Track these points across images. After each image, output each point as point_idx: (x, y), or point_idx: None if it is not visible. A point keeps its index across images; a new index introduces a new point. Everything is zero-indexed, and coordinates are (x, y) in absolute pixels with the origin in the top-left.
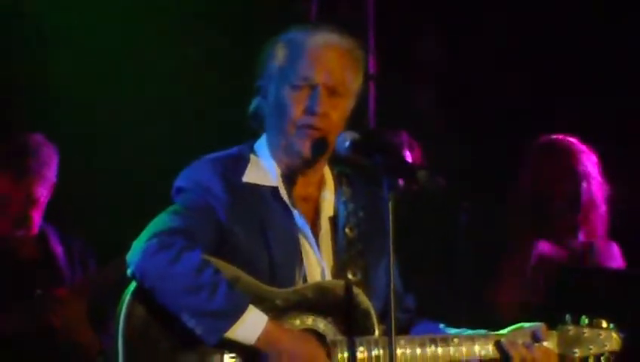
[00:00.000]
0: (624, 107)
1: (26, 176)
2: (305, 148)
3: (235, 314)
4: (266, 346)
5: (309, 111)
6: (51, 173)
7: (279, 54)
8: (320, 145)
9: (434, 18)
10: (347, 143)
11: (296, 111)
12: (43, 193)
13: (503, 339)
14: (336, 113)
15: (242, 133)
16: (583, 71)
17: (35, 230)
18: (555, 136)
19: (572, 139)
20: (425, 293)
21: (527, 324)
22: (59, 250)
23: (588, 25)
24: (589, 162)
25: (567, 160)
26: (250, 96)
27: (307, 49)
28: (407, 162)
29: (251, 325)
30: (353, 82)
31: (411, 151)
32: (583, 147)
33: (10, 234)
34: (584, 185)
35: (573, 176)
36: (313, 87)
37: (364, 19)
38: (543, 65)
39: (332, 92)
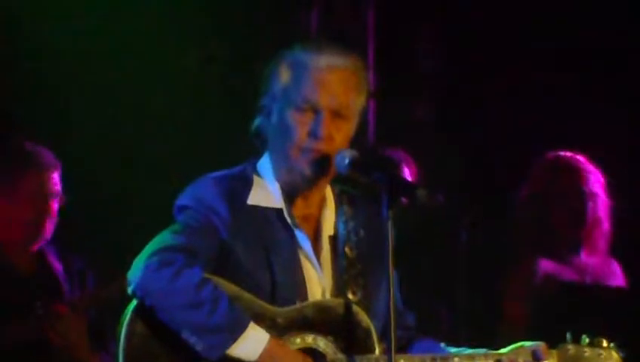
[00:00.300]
0: (630, 120)
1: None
2: (307, 168)
3: (236, 330)
4: None
5: (313, 135)
6: (56, 183)
7: (283, 75)
8: (322, 166)
9: (434, 30)
10: (346, 161)
11: (300, 134)
12: (55, 202)
13: (503, 358)
14: (339, 135)
15: (243, 148)
16: (588, 83)
17: (49, 236)
18: (562, 153)
19: (580, 158)
20: (424, 312)
21: (527, 343)
22: (58, 266)
23: (593, 35)
24: (596, 182)
25: (574, 178)
26: (251, 110)
27: (311, 72)
28: (406, 180)
29: (253, 342)
30: (356, 103)
31: (408, 168)
32: (590, 166)
33: (20, 245)
34: (589, 203)
35: (579, 194)
36: (317, 111)
37: (364, 32)
38: (546, 79)
39: (336, 115)
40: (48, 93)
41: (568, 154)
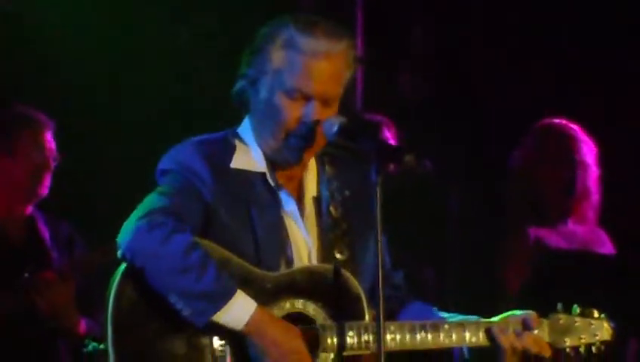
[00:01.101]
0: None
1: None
2: (294, 157)
3: (223, 297)
4: (253, 333)
5: (303, 121)
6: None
7: (276, 55)
8: (306, 149)
9: (425, 4)
10: (335, 128)
11: (290, 118)
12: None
13: (494, 327)
14: (327, 116)
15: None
16: (580, 61)
17: (45, 193)
18: (556, 121)
19: (573, 126)
20: (413, 280)
21: (518, 312)
22: (46, 233)
23: (587, 17)
24: (588, 151)
25: (566, 146)
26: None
27: (305, 59)
28: (395, 146)
29: (239, 310)
30: (344, 82)
31: (389, 131)
32: (583, 135)
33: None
34: (580, 172)
35: (570, 162)
36: (308, 99)
37: (354, 4)
38: (541, 53)
39: (325, 103)
40: (44, 67)
41: (562, 122)
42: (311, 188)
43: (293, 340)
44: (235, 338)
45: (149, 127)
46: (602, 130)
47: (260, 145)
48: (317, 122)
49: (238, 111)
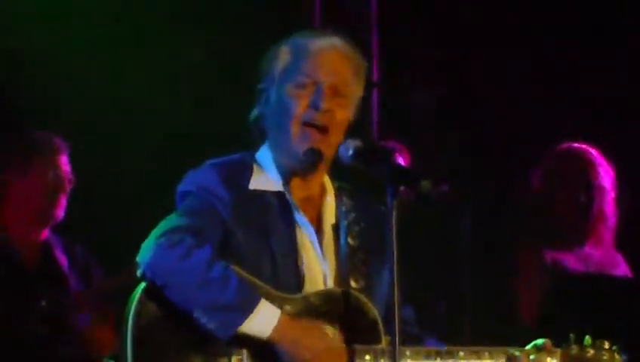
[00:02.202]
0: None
1: (43, 167)
2: (311, 152)
3: (248, 307)
4: (280, 339)
5: (314, 106)
6: (65, 164)
7: (283, 57)
8: (316, 156)
9: (438, 21)
10: (350, 152)
11: (300, 106)
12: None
13: (520, 355)
14: (340, 112)
15: (243, 138)
16: (590, 76)
17: (61, 215)
18: (575, 145)
19: (592, 150)
20: (426, 305)
21: (540, 341)
22: (63, 259)
23: (594, 27)
24: (605, 175)
25: (583, 170)
26: (251, 100)
27: (312, 50)
28: (410, 171)
29: (265, 318)
30: (355, 86)
31: (402, 158)
32: (601, 159)
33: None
34: (597, 197)
35: (588, 187)
36: (317, 85)
37: (368, 21)
38: (550, 69)
39: (335, 92)
40: (55, 86)
41: (580, 145)
42: (330, 215)
43: (322, 339)
44: (258, 349)
45: (163, 150)
46: (619, 153)
47: (277, 163)
48: (329, 111)
49: (251, 131)
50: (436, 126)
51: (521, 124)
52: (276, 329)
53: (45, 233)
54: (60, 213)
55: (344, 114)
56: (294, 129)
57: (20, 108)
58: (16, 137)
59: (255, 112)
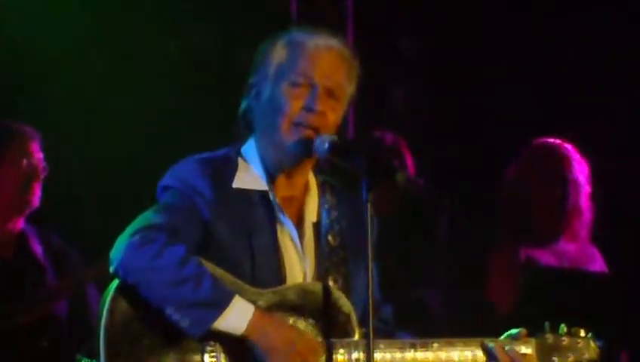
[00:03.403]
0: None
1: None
2: (292, 145)
3: (221, 304)
4: (254, 335)
5: (308, 108)
6: (37, 151)
7: (278, 53)
8: (306, 146)
9: (415, 13)
10: (326, 145)
11: (294, 107)
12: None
13: (493, 345)
14: (332, 115)
15: (226, 130)
16: (575, 70)
17: (36, 203)
18: (549, 140)
19: (566, 146)
20: (407, 298)
21: (514, 331)
22: (38, 249)
23: (580, 22)
24: (580, 171)
25: (558, 166)
26: (231, 96)
27: (308, 49)
28: (386, 164)
29: (238, 315)
30: (348, 87)
31: (403, 152)
32: (576, 155)
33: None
34: (572, 191)
35: (562, 182)
36: (312, 86)
37: (343, 15)
38: (526, 66)
39: (330, 94)
40: (30, 80)
41: (555, 141)
42: (311, 213)
43: (296, 331)
44: (231, 345)
45: (143, 138)
46: (595, 147)
47: (263, 160)
48: (322, 113)
49: (234, 121)
50: (413, 123)
51: (498, 121)
52: (250, 325)
53: (21, 223)
54: (36, 200)
55: (336, 116)
56: (285, 127)
57: None
58: None
59: (244, 105)
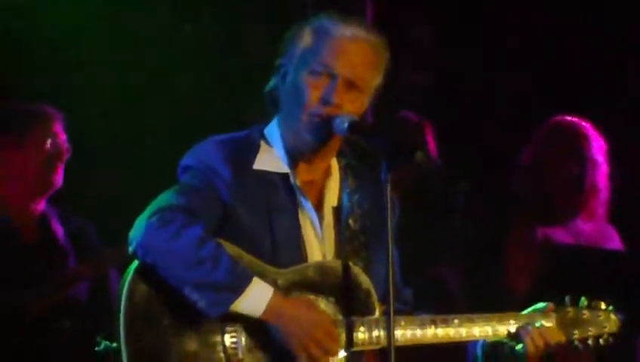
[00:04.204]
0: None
1: (36, 136)
2: (309, 135)
3: (239, 286)
4: (273, 318)
5: (324, 100)
6: (61, 132)
7: (305, 38)
8: (323, 131)
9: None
10: (345, 125)
11: (311, 98)
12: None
13: (518, 323)
14: (350, 107)
15: (242, 116)
16: (585, 55)
17: (60, 183)
18: (567, 118)
19: (584, 123)
20: (423, 276)
21: (540, 305)
22: (59, 231)
23: (589, 11)
24: (598, 148)
25: (576, 143)
26: (244, 84)
27: (333, 38)
28: (404, 143)
29: (257, 297)
30: (373, 79)
31: (426, 133)
32: (593, 132)
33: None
34: (589, 170)
35: (580, 159)
36: (332, 77)
37: (363, 5)
38: (540, 45)
39: (350, 85)
40: (45, 65)
41: (572, 119)
42: (332, 197)
43: (314, 314)
44: (251, 326)
45: (165, 121)
46: (613, 127)
47: (285, 143)
48: (339, 105)
49: (251, 107)
50: (429, 105)
51: (514, 100)
52: (268, 307)
53: (42, 204)
54: (59, 180)
55: (356, 108)
56: (304, 117)
57: (11, 79)
58: (9, 110)
59: (271, 83)
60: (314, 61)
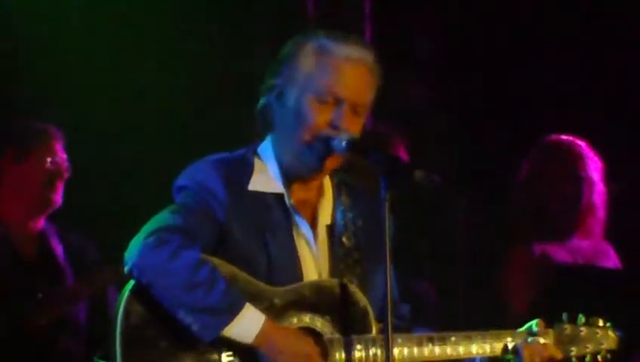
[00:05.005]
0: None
1: (38, 154)
2: (316, 163)
3: (232, 311)
4: (264, 344)
5: (334, 125)
6: (61, 151)
7: (307, 60)
8: (327, 155)
9: (432, 13)
10: (344, 143)
11: (318, 121)
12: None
13: (516, 338)
14: (354, 128)
15: (243, 130)
16: (586, 68)
17: (59, 201)
18: (563, 137)
19: (579, 143)
20: (421, 298)
21: (532, 323)
22: (58, 248)
23: (591, 21)
24: (594, 168)
25: (572, 163)
26: (249, 93)
27: (338, 62)
28: (403, 161)
29: (249, 324)
30: (371, 99)
31: (398, 150)
32: (589, 152)
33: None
34: (585, 189)
35: (576, 180)
36: (339, 102)
37: (361, 13)
38: (546, 62)
39: (355, 110)
40: (46, 78)
41: (568, 138)
42: (325, 215)
43: (303, 346)
44: (244, 351)
45: (160, 138)
46: (608, 145)
47: (280, 162)
48: (346, 130)
49: (250, 122)
50: (428, 119)
51: (514, 118)
52: (260, 334)
53: (42, 222)
54: (59, 199)
55: (357, 129)
56: (306, 138)
57: (13, 97)
58: (10, 126)
59: (263, 101)
60: (320, 88)
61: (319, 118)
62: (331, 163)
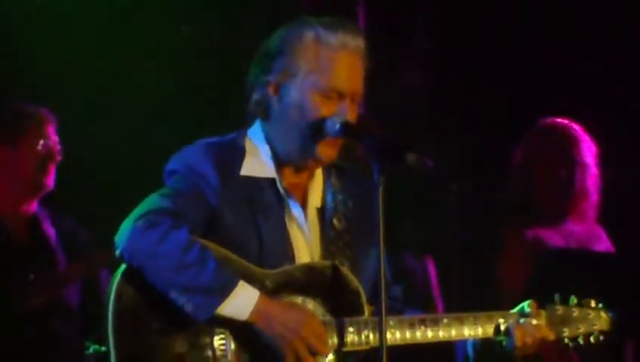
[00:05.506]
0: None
1: (30, 136)
2: (310, 146)
3: (226, 289)
4: (259, 320)
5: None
6: (53, 134)
7: (305, 55)
8: (320, 126)
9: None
10: (337, 126)
11: (325, 113)
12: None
13: (509, 319)
14: (353, 116)
15: (234, 121)
16: (580, 56)
17: (51, 184)
18: (557, 121)
19: (574, 126)
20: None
21: (524, 304)
22: (51, 232)
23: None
24: (588, 152)
25: (566, 146)
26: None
27: (338, 55)
28: (396, 144)
29: (243, 300)
30: (362, 85)
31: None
32: (584, 135)
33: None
34: (578, 173)
35: (569, 163)
36: (342, 97)
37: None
38: (536, 47)
39: (353, 99)
40: (43, 59)
41: (562, 121)
42: (315, 198)
43: (301, 315)
44: (238, 329)
45: (153, 122)
46: (603, 129)
47: (273, 148)
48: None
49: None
50: (422, 105)
51: (507, 102)
52: (255, 310)
53: (34, 205)
54: (51, 182)
55: (354, 116)
56: (312, 132)
57: (5, 82)
58: (3, 109)
59: (260, 94)
60: (324, 81)
61: (325, 110)
62: (325, 149)
